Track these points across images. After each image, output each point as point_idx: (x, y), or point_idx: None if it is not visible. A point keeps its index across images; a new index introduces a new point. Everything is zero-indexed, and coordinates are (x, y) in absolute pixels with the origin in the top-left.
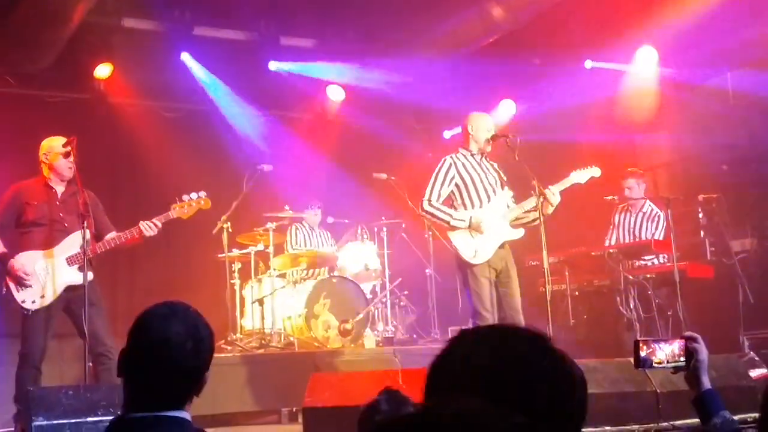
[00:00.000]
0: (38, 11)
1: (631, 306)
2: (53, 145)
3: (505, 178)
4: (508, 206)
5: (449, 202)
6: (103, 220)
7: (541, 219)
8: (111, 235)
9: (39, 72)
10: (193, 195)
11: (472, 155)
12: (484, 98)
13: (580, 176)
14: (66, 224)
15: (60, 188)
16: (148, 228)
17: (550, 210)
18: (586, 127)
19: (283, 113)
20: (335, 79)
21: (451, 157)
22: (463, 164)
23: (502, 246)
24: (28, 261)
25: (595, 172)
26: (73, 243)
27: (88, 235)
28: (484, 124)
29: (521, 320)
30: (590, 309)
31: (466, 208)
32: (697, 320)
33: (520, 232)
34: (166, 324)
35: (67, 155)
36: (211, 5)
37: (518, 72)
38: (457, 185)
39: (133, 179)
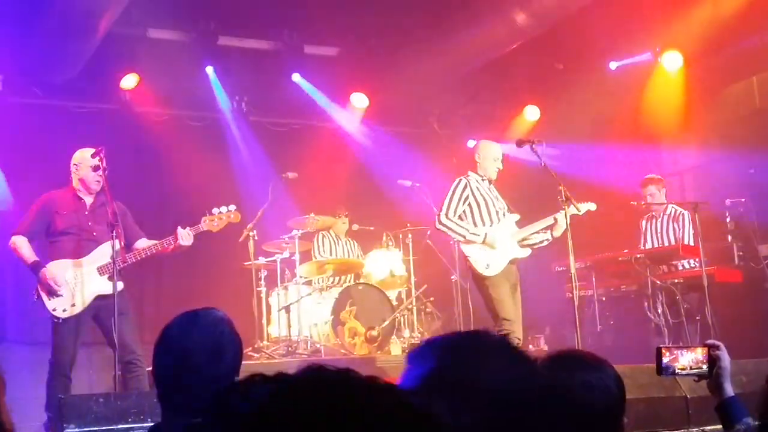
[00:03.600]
0: (64, 22)
1: (659, 311)
2: (84, 156)
3: (509, 207)
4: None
5: (461, 220)
6: (133, 228)
7: (568, 224)
8: (142, 242)
9: (66, 82)
10: (223, 208)
11: (483, 180)
12: (509, 104)
13: (579, 208)
14: (95, 233)
15: (89, 199)
16: (187, 236)
17: (558, 233)
18: (611, 132)
19: (308, 121)
20: (359, 87)
21: (465, 177)
22: (476, 186)
23: (512, 262)
24: (59, 270)
25: (591, 206)
26: (103, 253)
27: (117, 245)
28: (491, 153)
29: (520, 329)
30: (617, 314)
31: (476, 226)
32: (725, 325)
33: (527, 252)
34: (186, 333)
35: (96, 168)
36: (235, 15)
37: (542, 77)
38: (470, 205)
39: (160, 188)
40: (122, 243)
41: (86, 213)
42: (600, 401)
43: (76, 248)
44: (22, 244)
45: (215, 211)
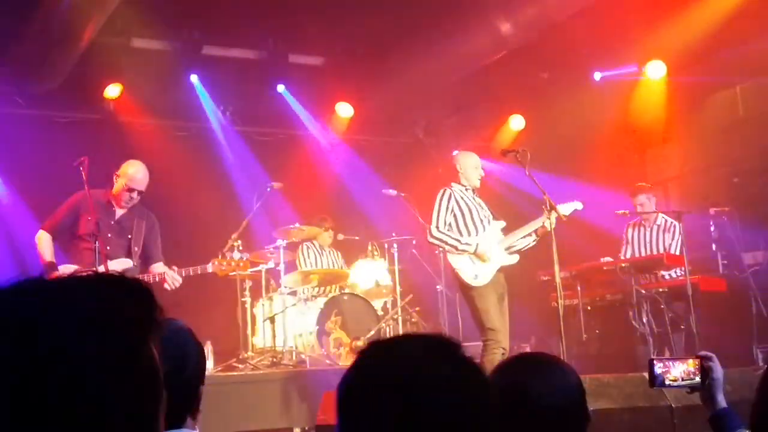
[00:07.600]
0: (48, 32)
1: (644, 320)
2: (128, 172)
3: (493, 214)
4: (501, 235)
5: (449, 230)
6: (152, 248)
7: (553, 233)
8: (159, 267)
9: (48, 92)
10: (236, 255)
11: (466, 189)
12: (494, 113)
13: (564, 209)
14: (108, 247)
15: (119, 210)
16: (172, 281)
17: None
18: (595, 141)
19: (293, 130)
20: (344, 96)
21: (449, 188)
22: (460, 196)
23: (499, 270)
24: None
25: (578, 205)
26: (115, 269)
27: (129, 264)
28: (471, 162)
29: (507, 340)
30: (603, 323)
31: (462, 236)
32: (710, 334)
33: (515, 258)
34: None
35: (131, 190)
36: (219, 24)
37: (527, 87)
38: (455, 215)
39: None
40: (134, 258)
41: (112, 223)
42: (562, 398)
43: (91, 256)
44: (44, 242)
45: (228, 255)
